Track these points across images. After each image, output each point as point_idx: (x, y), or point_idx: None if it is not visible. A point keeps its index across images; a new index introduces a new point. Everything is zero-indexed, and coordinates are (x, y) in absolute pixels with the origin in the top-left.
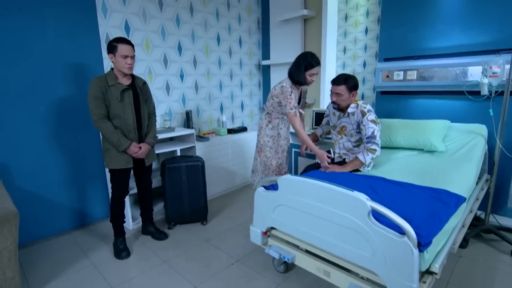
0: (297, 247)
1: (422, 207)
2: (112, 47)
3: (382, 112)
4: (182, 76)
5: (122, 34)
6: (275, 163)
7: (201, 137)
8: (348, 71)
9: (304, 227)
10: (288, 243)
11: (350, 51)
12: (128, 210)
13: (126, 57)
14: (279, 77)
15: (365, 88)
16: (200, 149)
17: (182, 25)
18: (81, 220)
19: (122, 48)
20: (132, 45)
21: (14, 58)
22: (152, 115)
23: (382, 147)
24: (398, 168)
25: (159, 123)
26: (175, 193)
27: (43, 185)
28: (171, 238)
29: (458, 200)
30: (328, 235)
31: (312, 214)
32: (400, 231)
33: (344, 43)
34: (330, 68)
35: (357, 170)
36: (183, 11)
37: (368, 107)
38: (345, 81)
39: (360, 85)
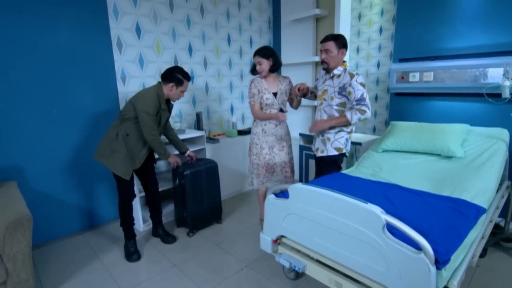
0: (308, 256)
1: (440, 219)
2: (177, 79)
3: (397, 115)
4: (192, 78)
5: (133, 36)
6: (262, 160)
7: (211, 139)
8: (361, 71)
9: (316, 237)
10: (298, 251)
11: (364, 51)
12: (138, 212)
13: (183, 91)
14: (290, 77)
15: (379, 89)
16: (211, 151)
17: (193, 26)
18: (93, 221)
19: (186, 85)
20: None
21: (27, 61)
22: (170, 126)
23: (396, 151)
24: (414, 175)
25: None
26: (197, 199)
27: (56, 186)
28: (181, 241)
29: (478, 211)
30: (340, 246)
31: (323, 224)
32: (417, 246)
33: (358, 43)
34: None
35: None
36: (194, 12)
37: (356, 70)
38: (334, 38)
39: (374, 86)
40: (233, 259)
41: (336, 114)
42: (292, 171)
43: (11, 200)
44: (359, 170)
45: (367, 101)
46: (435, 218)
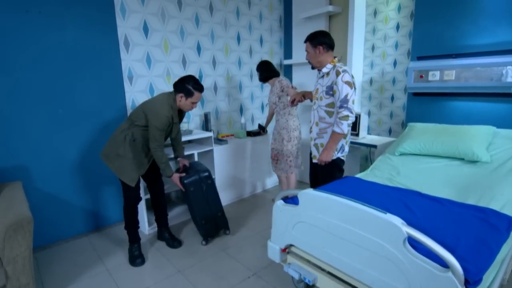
0: (319, 267)
1: (467, 232)
2: (187, 90)
3: (415, 115)
4: (201, 77)
5: (140, 35)
6: (270, 148)
7: (219, 140)
8: (376, 70)
9: (328, 248)
10: (309, 262)
11: (379, 49)
12: (144, 215)
13: (195, 103)
14: (302, 77)
15: (396, 89)
16: (218, 152)
17: (202, 24)
18: (99, 222)
19: (197, 96)
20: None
21: (34, 60)
22: (181, 134)
23: (415, 154)
24: (435, 180)
25: None
26: (202, 206)
27: (61, 187)
28: (187, 245)
29: (510, 222)
30: (355, 260)
31: (336, 235)
32: (442, 262)
33: (373, 40)
34: (357, 68)
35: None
36: (203, 10)
37: (345, 67)
38: (309, 38)
39: (390, 86)
40: (240, 266)
41: (325, 116)
42: (290, 163)
43: (13, 201)
44: (374, 173)
45: (350, 103)
46: (462, 231)
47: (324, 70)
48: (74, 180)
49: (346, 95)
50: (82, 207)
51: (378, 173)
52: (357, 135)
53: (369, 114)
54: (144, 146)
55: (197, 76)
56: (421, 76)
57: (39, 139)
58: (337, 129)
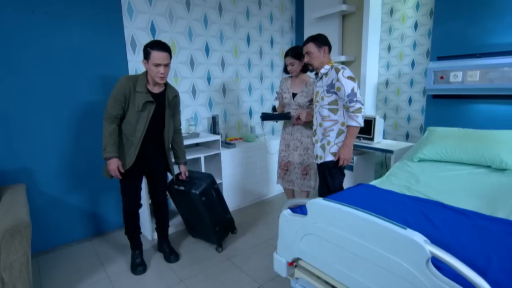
0: (329, 284)
1: (499, 250)
2: (146, 52)
3: (434, 119)
4: (209, 79)
5: (147, 36)
6: (279, 157)
7: (227, 143)
8: (393, 71)
9: (339, 265)
10: (318, 278)
11: (396, 49)
12: (147, 220)
13: (158, 65)
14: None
15: (413, 91)
16: (226, 156)
17: (210, 25)
18: (102, 227)
19: (155, 56)
20: (169, 51)
21: (39, 61)
22: (178, 130)
23: (436, 161)
24: (459, 190)
25: (184, 128)
26: (214, 213)
27: (66, 190)
28: (190, 253)
29: None
30: (370, 279)
31: (349, 250)
32: (471, 286)
33: (389, 40)
34: (371, 69)
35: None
36: (212, 11)
37: (343, 65)
38: (313, 38)
39: (408, 88)
40: (246, 277)
41: (330, 114)
42: (304, 175)
43: (14, 204)
44: (391, 181)
45: (359, 96)
46: (493, 249)
47: (323, 71)
48: (78, 183)
49: (353, 89)
50: (87, 211)
51: (395, 181)
52: (371, 139)
53: (384, 117)
54: (125, 137)
55: (205, 79)
56: (442, 77)
57: (43, 141)
58: (353, 123)
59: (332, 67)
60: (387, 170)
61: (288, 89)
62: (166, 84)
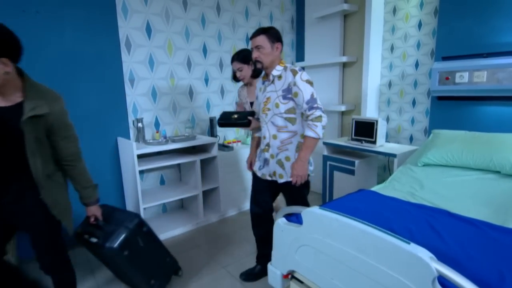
0: None
1: None
2: None
3: (439, 122)
4: (206, 80)
5: (143, 36)
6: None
7: (225, 146)
8: (396, 72)
9: (337, 280)
10: None
11: (399, 49)
12: None
13: (6, 73)
14: (315, 80)
15: (417, 92)
16: (222, 159)
17: (208, 25)
18: None
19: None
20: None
21: (30, 62)
22: (71, 160)
23: (441, 165)
24: (466, 197)
25: (180, 130)
26: (145, 267)
27: None
28: (184, 259)
29: None
30: None
31: (347, 265)
32: None
33: (392, 40)
34: (374, 70)
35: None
36: (209, 10)
37: (299, 67)
38: (264, 31)
39: (411, 89)
40: (242, 287)
41: (287, 124)
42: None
43: None
44: (394, 186)
45: (319, 102)
46: (506, 264)
47: (275, 73)
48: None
49: (312, 95)
50: (81, 216)
51: (398, 186)
52: (374, 142)
53: (387, 120)
54: None
55: (202, 80)
56: (447, 78)
57: None
58: (311, 133)
59: (285, 68)
60: (390, 174)
61: (245, 98)
62: (27, 92)
